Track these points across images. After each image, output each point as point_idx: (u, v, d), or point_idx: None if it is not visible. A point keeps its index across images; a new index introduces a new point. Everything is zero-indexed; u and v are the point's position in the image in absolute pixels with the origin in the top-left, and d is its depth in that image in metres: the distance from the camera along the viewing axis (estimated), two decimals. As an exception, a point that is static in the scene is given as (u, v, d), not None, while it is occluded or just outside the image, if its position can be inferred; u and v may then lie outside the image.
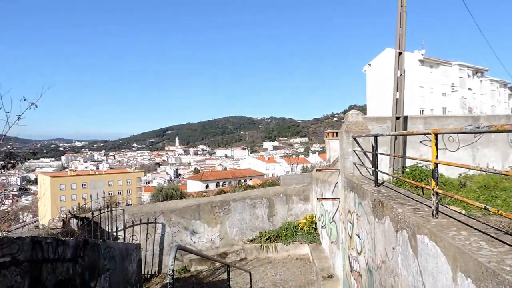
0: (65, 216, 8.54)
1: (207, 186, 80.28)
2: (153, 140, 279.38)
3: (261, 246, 11.83)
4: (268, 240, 11.90)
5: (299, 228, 12.06)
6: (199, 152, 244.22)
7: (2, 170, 5.26)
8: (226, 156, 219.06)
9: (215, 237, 11.82)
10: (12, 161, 5.21)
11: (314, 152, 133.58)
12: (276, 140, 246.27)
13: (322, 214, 10.74)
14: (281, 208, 12.58)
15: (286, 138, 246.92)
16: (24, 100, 4.79)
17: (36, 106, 4.89)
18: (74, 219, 8.62)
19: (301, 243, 11.68)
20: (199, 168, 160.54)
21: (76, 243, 5.09)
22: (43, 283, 4.45)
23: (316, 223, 11.89)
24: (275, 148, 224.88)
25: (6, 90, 4.63)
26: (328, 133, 17.08)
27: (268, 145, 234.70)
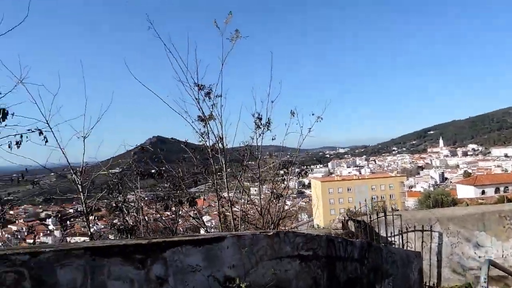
0: (343, 218, 9.25)
1: (482, 192, 69.30)
2: (413, 142, 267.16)
3: None
4: None
5: None
6: (469, 153, 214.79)
7: (298, 177, 6.35)
8: (505, 155, 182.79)
9: (507, 253, 9.93)
10: (304, 169, 6.21)
11: None
12: None
13: None
14: None
15: None
16: (312, 114, 5.66)
17: (321, 119, 5.64)
18: (351, 222, 9.22)
19: None
20: (470, 171, 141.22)
21: (361, 245, 5.42)
22: (337, 278, 4.96)
23: None
24: None
25: (300, 108, 5.58)
26: None
27: None
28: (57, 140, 4.75)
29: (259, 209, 5.77)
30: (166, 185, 5.64)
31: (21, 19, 4.53)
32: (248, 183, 6.64)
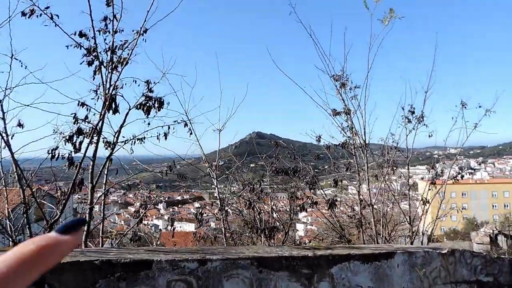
0: (491, 231, 7.80)
1: None
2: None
3: None
4: None
5: None
6: None
7: (454, 180, 5.37)
8: None
9: None
10: (462, 172, 5.21)
11: None
12: None
13: None
14: None
15: None
16: (479, 107, 4.63)
17: (491, 113, 4.57)
18: (502, 236, 7.72)
19: None
20: None
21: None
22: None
23: None
24: None
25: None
26: None
27: None
28: (195, 133, 4.61)
29: (408, 216, 4.93)
30: (298, 182, 5.18)
31: (164, 10, 4.46)
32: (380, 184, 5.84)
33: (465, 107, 4.59)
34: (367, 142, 4.88)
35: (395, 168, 5.09)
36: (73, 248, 0.45)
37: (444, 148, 6.87)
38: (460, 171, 5.27)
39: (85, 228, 3.10)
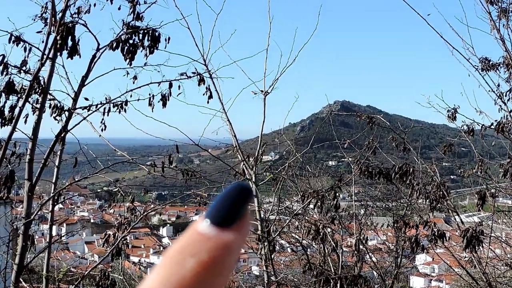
0: None
1: None
2: None
3: None
4: None
5: None
6: None
7: None
8: None
9: None
10: None
11: None
12: None
13: None
14: None
15: None
16: None
17: None
18: None
19: None
20: None
21: None
22: None
23: None
24: None
25: None
26: None
27: None
28: (219, 98, 4.08)
29: None
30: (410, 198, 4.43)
31: None
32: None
33: None
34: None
35: None
36: (241, 248, 0.40)
37: None
38: None
39: (16, 263, 2.61)
